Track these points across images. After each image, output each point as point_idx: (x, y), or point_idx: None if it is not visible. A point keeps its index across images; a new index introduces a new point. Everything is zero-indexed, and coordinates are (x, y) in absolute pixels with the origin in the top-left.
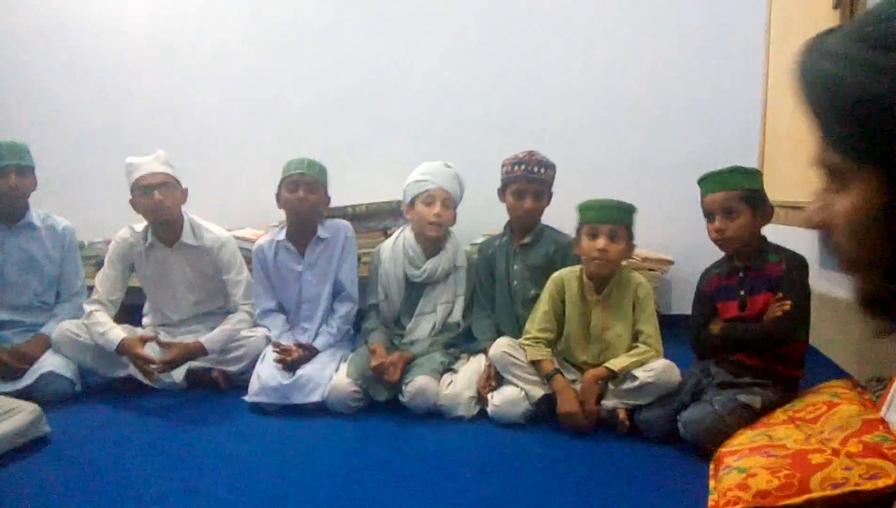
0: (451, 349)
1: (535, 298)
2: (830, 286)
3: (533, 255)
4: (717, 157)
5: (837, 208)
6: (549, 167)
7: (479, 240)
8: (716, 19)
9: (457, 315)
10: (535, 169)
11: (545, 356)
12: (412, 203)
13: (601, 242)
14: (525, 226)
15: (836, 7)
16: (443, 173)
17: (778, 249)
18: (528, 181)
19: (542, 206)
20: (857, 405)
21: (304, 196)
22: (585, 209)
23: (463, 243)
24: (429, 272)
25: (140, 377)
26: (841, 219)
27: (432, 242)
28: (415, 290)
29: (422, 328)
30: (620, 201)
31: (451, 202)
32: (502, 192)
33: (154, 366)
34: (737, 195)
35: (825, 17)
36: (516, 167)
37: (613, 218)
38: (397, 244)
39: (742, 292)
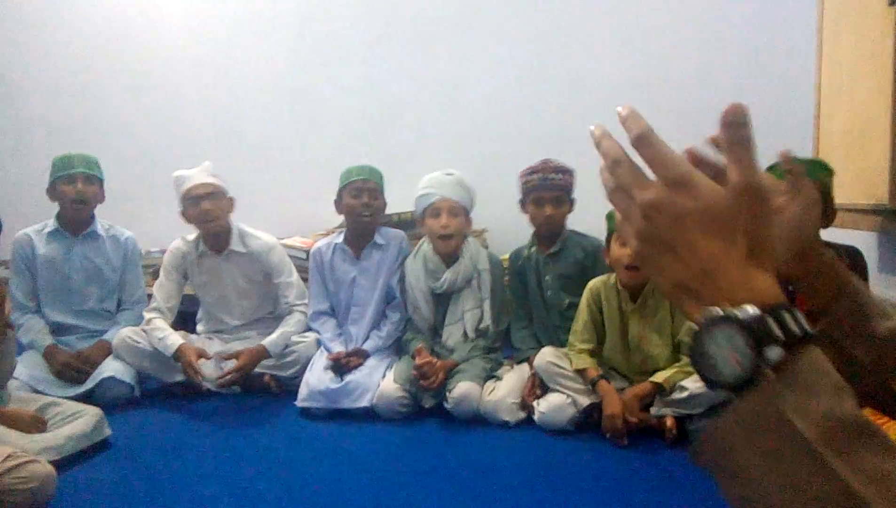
0: (491, 354)
1: (571, 306)
2: (890, 290)
3: (562, 263)
4: (768, 160)
5: None
6: (566, 172)
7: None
8: (765, 18)
9: (487, 320)
10: (551, 176)
11: (590, 365)
12: (423, 217)
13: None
14: (550, 234)
15: (892, 4)
16: (444, 183)
17: (831, 245)
18: (546, 189)
19: (563, 212)
20: None
21: (369, 202)
22: (614, 217)
23: (503, 253)
24: (449, 282)
25: (198, 380)
26: None
27: (449, 251)
28: (441, 300)
29: (454, 336)
30: None
31: (458, 210)
32: (523, 204)
33: (218, 382)
34: (818, 186)
35: (880, 14)
36: (532, 176)
37: None
38: (418, 258)
39: (790, 288)
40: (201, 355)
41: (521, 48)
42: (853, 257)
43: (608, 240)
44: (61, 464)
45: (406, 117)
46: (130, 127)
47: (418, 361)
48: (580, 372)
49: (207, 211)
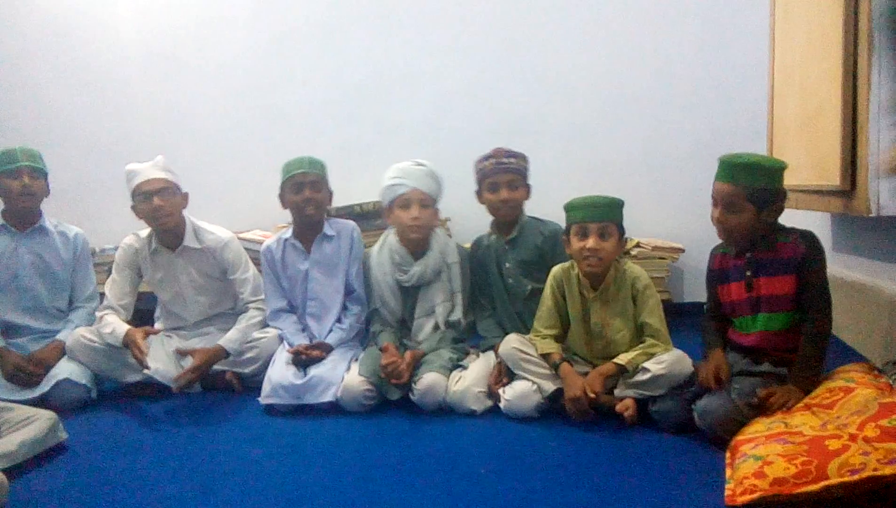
0: (459, 344)
1: (532, 292)
2: (845, 270)
3: (521, 249)
4: (726, 144)
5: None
6: (519, 157)
7: None
8: (720, 8)
9: (458, 313)
10: (504, 160)
11: (554, 349)
12: (391, 208)
13: (591, 241)
14: (507, 220)
15: None
16: (415, 173)
17: (784, 229)
18: (500, 172)
19: (518, 196)
20: (874, 389)
21: (310, 196)
22: (573, 209)
23: (465, 242)
24: (418, 275)
25: (157, 378)
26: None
27: (417, 244)
28: (410, 293)
29: (424, 330)
30: (608, 196)
31: (428, 202)
32: (479, 193)
33: (177, 383)
34: (741, 192)
35: (828, 3)
36: (486, 162)
37: (602, 216)
38: (383, 250)
39: (749, 274)
40: (148, 333)
41: (483, 36)
42: (809, 241)
43: (567, 230)
44: (14, 471)
45: (365, 107)
46: (79, 122)
47: (383, 361)
48: (545, 356)
49: (158, 207)
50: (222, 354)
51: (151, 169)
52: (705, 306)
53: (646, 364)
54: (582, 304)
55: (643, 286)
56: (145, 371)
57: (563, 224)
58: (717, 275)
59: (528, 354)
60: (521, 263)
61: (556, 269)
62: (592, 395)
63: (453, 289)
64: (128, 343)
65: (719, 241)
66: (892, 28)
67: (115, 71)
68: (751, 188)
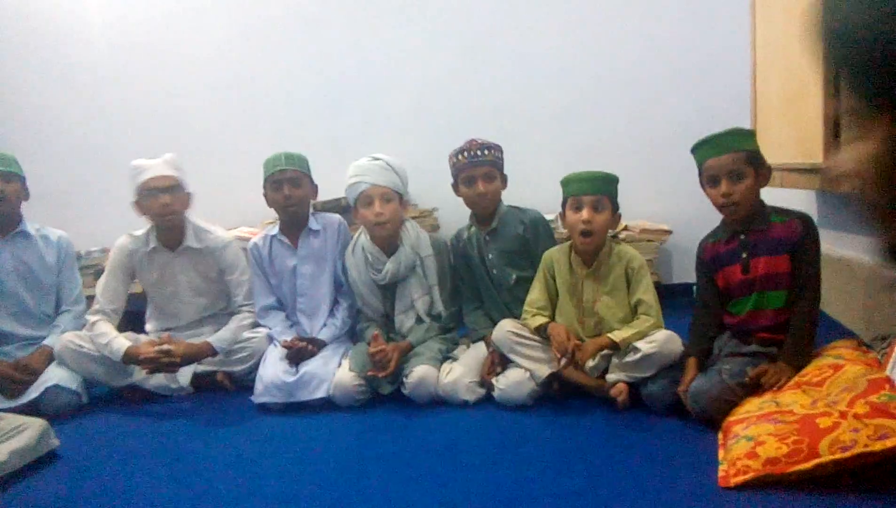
0: (447, 334)
1: (518, 281)
2: (832, 246)
3: (503, 239)
4: (710, 125)
5: (861, 153)
6: (492, 148)
7: None
8: None
9: (438, 305)
10: (478, 152)
11: (544, 319)
12: (356, 207)
13: (585, 213)
14: (486, 212)
15: None
16: (372, 169)
17: (779, 210)
18: (474, 165)
19: (495, 188)
20: (862, 365)
21: (290, 193)
22: (568, 183)
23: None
24: (391, 273)
25: (146, 384)
26: (864, 165)
27: (387, 240)
28: (388, 290)
29: (406, 324)
30: (602, 171)
31: (390, 196)
32: (455, 186)
33: (166, 359)
34: (742, 157)
35: None
36: (459, 157)
37: (596, 189)
38: (357, 250)
39: (744, 255)
40: (153, 345)
41: (465, 23)
42: (805, 224)
43: (563, 205)
44: (5, 481)
45: (349, 99)
46: (62, 123)
47: (371, 349)
48: (538, 330)
49: (166, 205)
50: (208, 350)
51: (162, 166)
52: (695, 295)
53: (637, 344)
54: (573, 281)
55: (638, 266)
56: (135, 378)
57: (547, 207)
58: (709, 265)
59: (523, 336)
60: (504, 253)
61: (548, 252)
62: (582, 355)
63: (429, 283)
64: (131, 362)
65: (706, 223)
66: None
67: (95, 70)
68: (746, 152)
